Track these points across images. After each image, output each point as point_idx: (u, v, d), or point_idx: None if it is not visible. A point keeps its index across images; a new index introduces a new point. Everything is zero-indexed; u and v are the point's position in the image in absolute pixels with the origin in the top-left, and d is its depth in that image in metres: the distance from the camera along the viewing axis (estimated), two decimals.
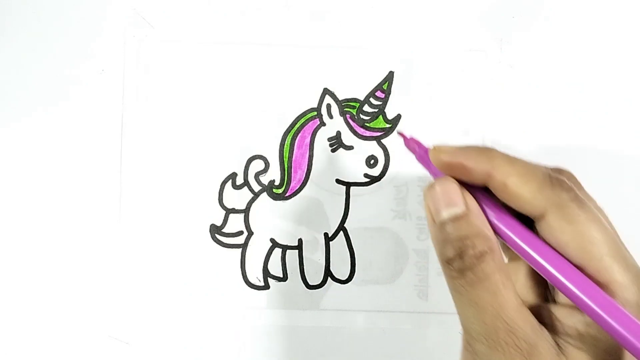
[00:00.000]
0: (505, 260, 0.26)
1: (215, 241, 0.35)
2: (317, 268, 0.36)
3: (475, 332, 0.24)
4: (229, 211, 0.35)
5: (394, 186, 0.35)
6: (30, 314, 0.35)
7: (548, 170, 0.23)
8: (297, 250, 0.35)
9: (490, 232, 0.24)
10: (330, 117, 0.35)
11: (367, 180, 0.35)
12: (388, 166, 0.35)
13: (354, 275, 0.36)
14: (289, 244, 0.35)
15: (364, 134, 0.35)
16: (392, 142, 0.35)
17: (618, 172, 0.36)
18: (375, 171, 0.35)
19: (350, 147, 0.35)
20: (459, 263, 0.24)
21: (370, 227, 0.35)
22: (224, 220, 0.35)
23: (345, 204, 0.35)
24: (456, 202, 0.24)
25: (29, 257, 0.35)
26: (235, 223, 0.35)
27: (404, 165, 0.35)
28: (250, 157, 0.35)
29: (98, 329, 0.35)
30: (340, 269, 0.35)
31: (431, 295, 0.35)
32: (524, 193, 0.23)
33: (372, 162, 0.35)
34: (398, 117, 0.35)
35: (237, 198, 0.35)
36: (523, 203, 0.23)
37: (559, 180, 0.23)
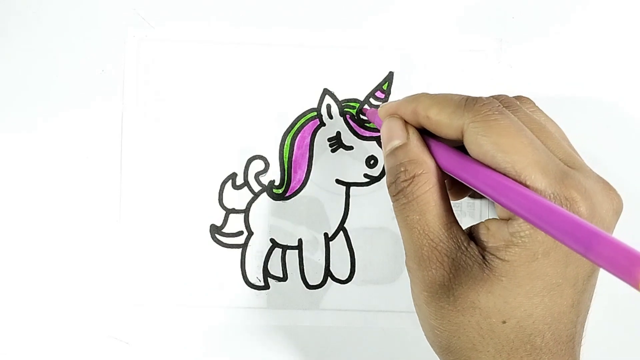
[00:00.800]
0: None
1: (215, 241, 0.35)
2: (317, 268, 0.36)
3: (408, 251, 0.26)
4: (229, 211, 0.35)
5: None
6: (30, 313, 0.35)
7: (468, 96, 0.26)
8: (297, 250, 0.36)
9: (427, 159, 0.26)
10: (330, 117, 0.35)
11: (367, 180, 0.35)
12: None
13: (354, 275, 0.36)
14: (289, 244, 0.36)
15: (364, 134, 0.35)
16: None
17: (618, 172, 0.36)
18: (375, 171, 0.35)
19: (350, 147, 0.35)
20: (393, 187, 0.27)
21: (370, 227, 0.36)
22: (224, 220, 0.35)
23: (345, 204, 0.36)
24: (397, 135, 0.27)
25: (29, 257, 0.35)
26: (235, 223, 0.35)
27: None
28: (250, 157, 0.35)
29: (98, 329, 0.35)
30: (340, 269, 0.36)
31: None
32: (442, 118, 0.26)
33: (372, 162, 0.35)
34: None
35: (237, 198, 0.35)
36: (444, 128, 0.26)
37: (474, 100, 0.25)
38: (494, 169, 0.24)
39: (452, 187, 0.31)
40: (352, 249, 0.36)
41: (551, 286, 0.24)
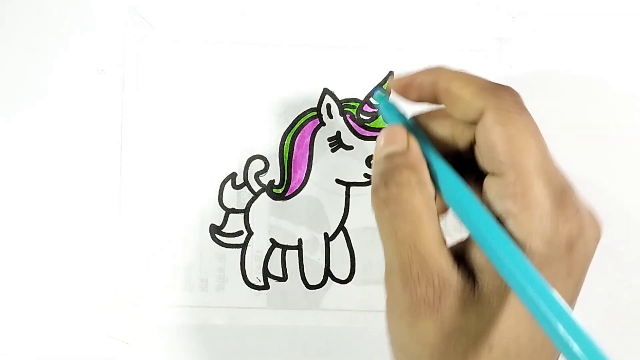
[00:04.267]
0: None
1: (215, 241, 0.35)
2: (317, 268, 0.36)
3: (392, 267, 0.23)
4: (228, 211, 0.35)
5: None
6: (29, 313, 0.35)
7: (493, 82, 0.24)
8: (297, 250, 0.35)
9: (425, 170, 0.24)
10: (330, 117, 0.35)
11: (367, 180, 0.35)
12: None
13: (354, 275, 0.36)
14: (288, 244, 0.36)
15: (364, 134, 0.35)
16: None
17: (619, 172, 0.36)
18: None
19: (350, 147, 0.35)
20: (382, 191, 0.24)
21: (370, 227, 0.35)
22: (223, 220, 0.35)
23: (345, 204, 0.36)
24: (398, 140, 0.25)
25: (29, 256, 0.35)
26: (235, 223, 0.35)
27: None
28: (250, 157, 0.35)
29: (98, 329, 0.35)
30: (340, 269, 0.36)
31: None
32: (464, 94, 0.23)
33: (372, 162, 0.35)
34: None
35: (237, 198, 0.35)
36: (463, 105, 0.23)
37: (502, 86, 0.23)
38: (493, 174, 0.23)
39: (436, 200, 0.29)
40: (352, 249, 0.36)
41: None
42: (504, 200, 0.22)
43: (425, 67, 0.25)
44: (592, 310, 0.27)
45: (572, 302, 0.24)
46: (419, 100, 0.26)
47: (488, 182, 0.23)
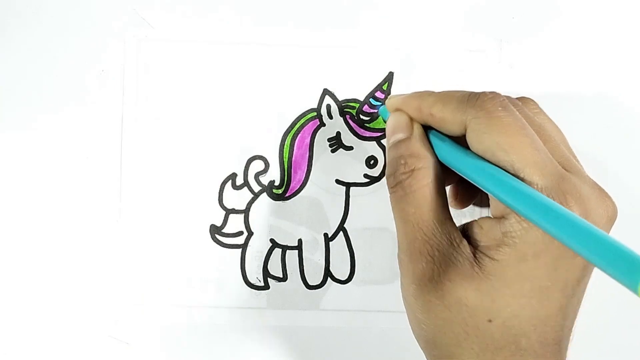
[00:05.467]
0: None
1: (215, 241, 0.35)
2: (317, 268, 0.36)
3: (401, 243, 0.27)
4: (228, 211, 0.35)
5: None
6: (29, 313, 0.35)
7: (471, 92, 0.26)
8: (297, 251, 0.36)
9: (428, 154, 0.27)
10: (330, 117, 0.35)
11: (367, 180, 0.35)
12: None
13: (354, 275, 0.36)
14: (288, 244, 0.36)
15: (364, 134, 0.35)
16: None
17: (619, 172, 0.36)
18: (375, 171, 0.35)
19: (350, 148, 0.35)
20: (391, 179, 0.27)
21: (370, 227, 0.36)
22: (224, 220, 0.35)
23: (345, 204, 0.36)
24: (402, 129, 0.28)
25: (28, 257, 0.35)
26: (235, 223, 0.35)
27: None
28: (250, 158, 0.35)
29: (98, 329, 0.35)
30: (340, 269, 0.36)
31: None
32: (445, 115, 0.26)
33: (372, 162, 0.35)
34: None
35: (237, 198, 0.35)
36: (448, 124, 0.26)
37: (477, 95, 0.25)
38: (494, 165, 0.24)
39: (457, 196, 0.31)
40: (352, 249, 0.36)
41: (539, 288, 0.24)
42: None
43: (413, 92, 0.28)
44: (583, 314, 0.27)
45: (579, 287, 0.25)
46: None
47: None
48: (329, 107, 0.35)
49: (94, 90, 0.35)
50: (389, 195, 0.27)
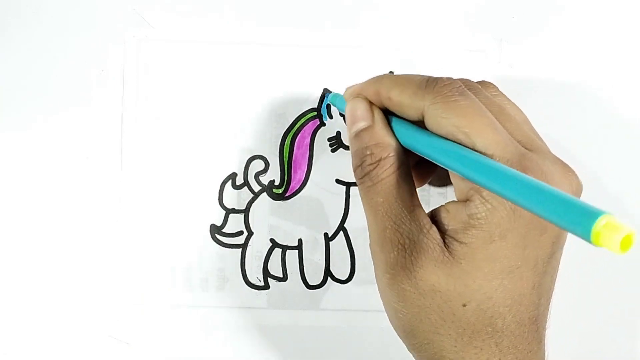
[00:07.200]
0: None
1: (215, 241, 0.35)
2: (317, 268, 0.36)
3: (372, 233, 0.27)
4: (229, 211, 0.35)
5: None
6: (29, 313, 0.35)
7: (429, 77, 0.26)
8: (297, 251, 0.36)
9: (392, 142, 0.26)
10: (330, 117, 0.35)
11: None
12: None
13: (354, 275, 0.36)
14: (289, 244, 0.36)
15: None
16: None
17: (619, 171, 0.36)
18: None
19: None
20: (359, 171, 0.27)
21: None
22: (223, 220, 0.35)
23: (345, 204, 0.36)
24: (363, 116, 0.27)
25: (28, 257, 0.35)
26: (235, 223, 0.35)
27: None
28: (250, 157, 0.35)
29: (98, 329, 0.35)
30: (340, 269, 0.36)
31: None
32: (403, 100, 0.26)
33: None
34: None
35: (237, 198, 0.35)
36: (406, 109, 0.26)
37: (435, 80, 0.25)
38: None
39: (413, 171, 0.31)
40: (352, 249, 0.36)
41: (510, 268, 0.24)
42: (466, 181, 0.24)
43: (372, 77, 0.28)
44: (561, 294, 0.27)
45: (550, 264, 0.25)
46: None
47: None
48: (329, 107, 0.35)
49: (94, 90, 0.35)
50: (359, 189, 0.27)
